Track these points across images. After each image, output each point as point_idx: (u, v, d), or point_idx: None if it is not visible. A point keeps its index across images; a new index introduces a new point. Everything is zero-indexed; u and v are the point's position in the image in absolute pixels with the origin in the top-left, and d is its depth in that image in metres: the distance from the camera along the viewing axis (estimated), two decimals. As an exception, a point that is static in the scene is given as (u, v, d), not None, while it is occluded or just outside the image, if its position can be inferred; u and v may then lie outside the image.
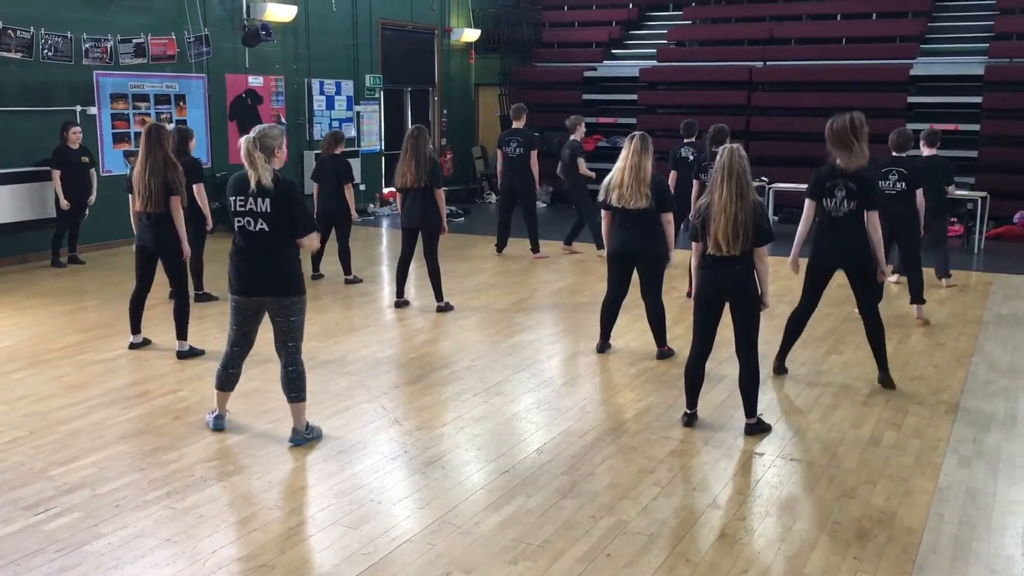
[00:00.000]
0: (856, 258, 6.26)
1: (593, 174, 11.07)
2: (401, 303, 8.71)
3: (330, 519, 4.34)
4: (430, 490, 4.67)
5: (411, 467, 4.98)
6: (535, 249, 11.32)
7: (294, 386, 5.24)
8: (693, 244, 5.54)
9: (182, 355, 6.93)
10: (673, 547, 4.10)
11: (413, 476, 4.86)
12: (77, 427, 5.48)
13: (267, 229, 5.05)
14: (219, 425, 5.48)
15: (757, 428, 5.50)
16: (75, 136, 10.32)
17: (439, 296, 8.53)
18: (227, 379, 5.43)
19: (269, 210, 5.02)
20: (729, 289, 5.39)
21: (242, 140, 5.04)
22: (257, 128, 5.10)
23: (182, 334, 6.96)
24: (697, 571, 3.91)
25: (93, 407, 5.84)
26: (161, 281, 7.22)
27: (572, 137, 11.22)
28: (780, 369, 6.60)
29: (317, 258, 9.77)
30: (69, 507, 4.42)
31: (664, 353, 7.02)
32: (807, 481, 4.84)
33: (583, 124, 11.43)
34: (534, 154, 11.25)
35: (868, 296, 6.36)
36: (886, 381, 6.38)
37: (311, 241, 5.19)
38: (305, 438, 5.27)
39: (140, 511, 4.39)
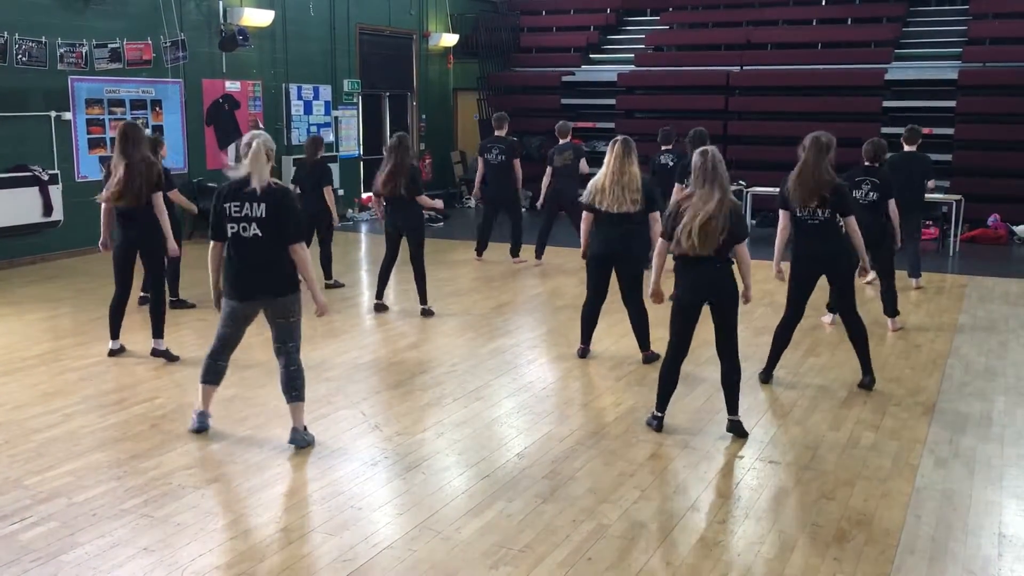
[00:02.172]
0: (836, 264, 6.30)
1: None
2: (380, 306, 8.70)
3: (310, 526, 4.32)
4: (410, 496, 4.66)
5: (391, 473, 4.96)
6: (515, 254, 11.32)
7: (294, 385, 5.25)
8: (660, 240, 5.58)
9: (157, 353, 6.92)
10: (654, 550, 4.11)
11: (393, 482, 4.85)
12: (53, 435, 5.42)
13: (260, 235, 5.04)
14: (203, 424, 5.44)
15: (741, 426, 5.53)
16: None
17: (423, 299, 8.57)
18: (216, 371, 5.41)
19: (264, 215, 5.02)
20: (710, 290, 5.42)
21: (254, 142, 5.04)
22: (259, 134, 5.13)
23: (158, 332, 6.95)
24: (677, 574, 3.92)
25: (69, 415, 5.78)
26: (136, 286, 7.17)
27: (566, 141, 11.14)
28: (767, 379, 6.59)
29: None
30: (45, 516, 4.38)
31: (649, 357, 7.01)
32: (786, 483, 4.87)
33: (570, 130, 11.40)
34: (516, 162, 11.26)
35: (849, 300, 6.41)
36: (869, 384, 6.43)
37: (301, 250, 5.15)
38: (304, 439, 5.26)
39: (117, 520, 4.35)
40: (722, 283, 5.39)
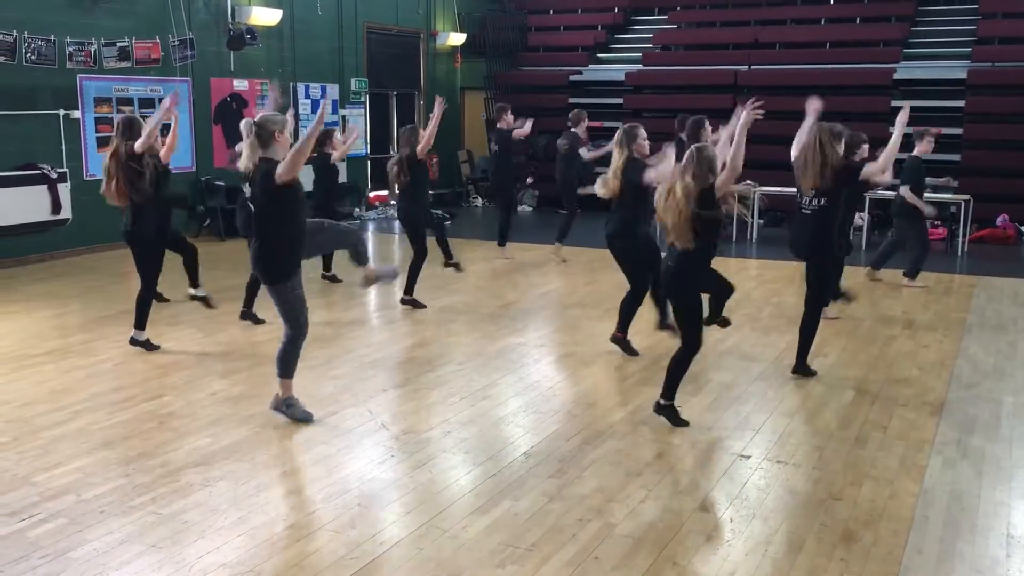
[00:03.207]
0: (810, 253, 6.45)
1: (599, 152, 10.69)
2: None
3: (317, 524, 4.33)
4: (417, 494, 4.66)
5: (398, 471, 4.97)
6: (501, 245, 11.42)
7: (279, 361, 5.57)
8: None
9: (135, 343, 7.07)
10: (660, 550, 4.10)
11: (400, 480, 4.85)
12: (61, 432, 5.44)
13: (256, 212, 5.38)
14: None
15: (665, 411, 5.62)
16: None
17: (408, 290, 8.67)
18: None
19: (255, 195, 5.36)
20: (663, 280, 5.65)
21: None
22: (265, 114, 5.37)
23: (139, 323, 7.08)
24: (684, 574, 3.91)
25: (77, 412, 5.79)
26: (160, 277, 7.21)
27: (573, 130, 11.13)
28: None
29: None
30: (53, 513, 4.39)
31: (618, 339, 7.08)
32: (793, 483, 4.85)
33: (586, 119, 11.26)
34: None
35: (815, 292, 6.52)
36: (803, 371, 6.55)
37: (291, 167, 5.08)
38: (281, 410, 5.53)
39: (125, 517, 4.36)
40: (670, 277, 5.55)
